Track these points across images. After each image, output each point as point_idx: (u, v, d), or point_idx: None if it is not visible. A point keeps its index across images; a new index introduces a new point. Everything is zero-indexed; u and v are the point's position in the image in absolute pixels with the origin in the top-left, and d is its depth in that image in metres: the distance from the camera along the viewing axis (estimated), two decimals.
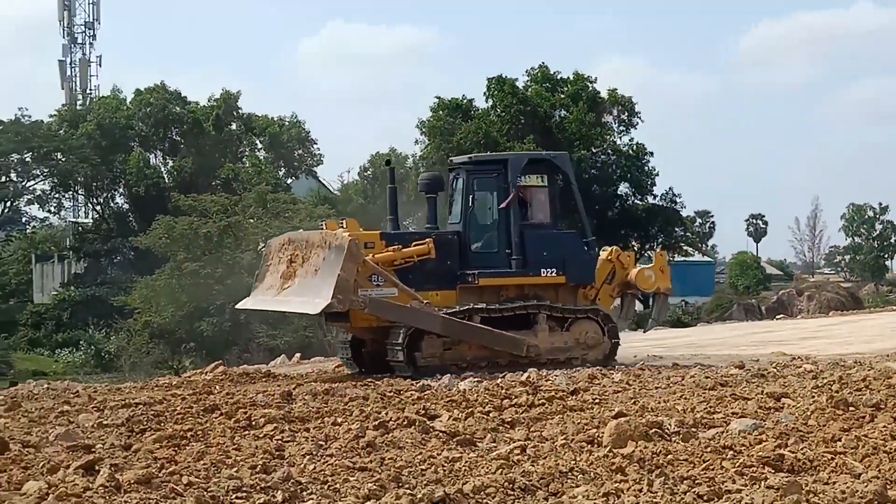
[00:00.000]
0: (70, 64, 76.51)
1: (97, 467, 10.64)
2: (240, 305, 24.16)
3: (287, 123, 63.83)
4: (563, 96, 56.56)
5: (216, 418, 14.66)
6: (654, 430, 11.90)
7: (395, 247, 21.50)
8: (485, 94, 56.91)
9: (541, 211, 22.58)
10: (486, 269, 21.97)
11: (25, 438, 13.24)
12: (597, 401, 15.23)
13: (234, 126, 63.65)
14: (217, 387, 20.34)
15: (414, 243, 21.75)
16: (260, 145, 64.48)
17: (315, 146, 64.40)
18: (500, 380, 18.47)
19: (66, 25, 78.55)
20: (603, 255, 23.34)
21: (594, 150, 56.34)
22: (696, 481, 9.63)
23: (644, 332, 28.32)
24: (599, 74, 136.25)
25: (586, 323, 22.19)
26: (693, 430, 12.22)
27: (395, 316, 21.22)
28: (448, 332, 21.16)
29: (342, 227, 21.80)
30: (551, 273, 22.11)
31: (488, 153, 22.22)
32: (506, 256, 22.11)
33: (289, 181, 63.04)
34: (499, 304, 21.80)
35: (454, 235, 22.36)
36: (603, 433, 11.86)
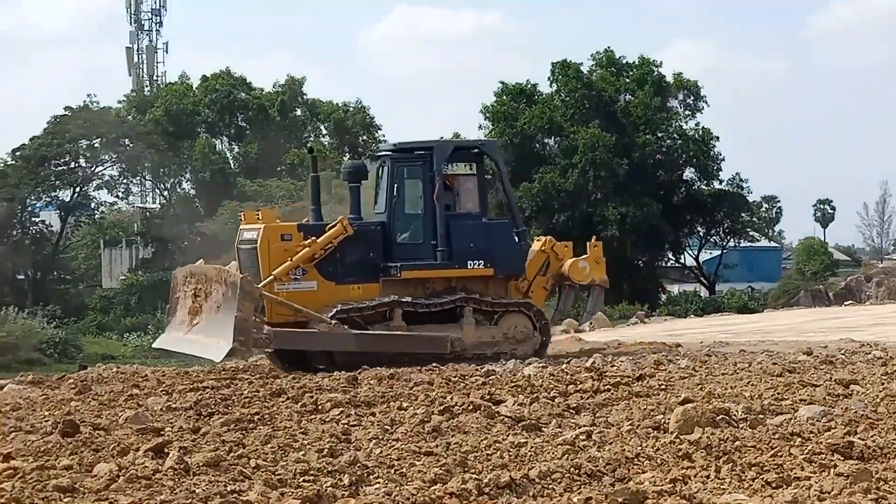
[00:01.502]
0: (137, 51, 77.24)
1: (166, 450, 10.75)
2: (155, 344, 23.46)
3: (351, 109, 63.95)
4: (628, 81, 56.24)
5: (283, 402, 14.76)
6: (721, 416, 11.84)
7: (312, 239, 20.62)
8: (549, 78, 56.75)
9: (469, 200, 21.78)
10: (411, 261, 21.16)
11: (96, 421, 13.40)
12: (663, 387, 15.16)
13: (298, 112, 63.90)
14: (283, 371, 20.49)
15: (327, 227, 20.89)
16: (325, 131, 64.69)
17: (379, 132, 64.49)
18: (564, 365, 18.45)
19: (133, 13, 79.28)
20: (536, 245, 22.59)
21: (659, 135, 55.97)
22: (765, 468, 9.57)
23: (579, 325, 27.64)
24: (665, 58, 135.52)
25: (516, 317, 21.44)
26: (761, 416, 12.14)
27: (304, 344, 20.50)
28: (363, 347, 20.25)
29: (258, 217, 21.21)
30: (478, 265, 21.26)
31: (414, 140, 21.25)
32: (431, 248, 21.23)
33: None
34: (424, 297, 21.06)
35: (377, 226, 21.49)
36: (669, 419, 11.80)
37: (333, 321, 20.19)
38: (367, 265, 21.10)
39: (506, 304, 21.46)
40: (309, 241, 20.57)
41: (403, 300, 20.78)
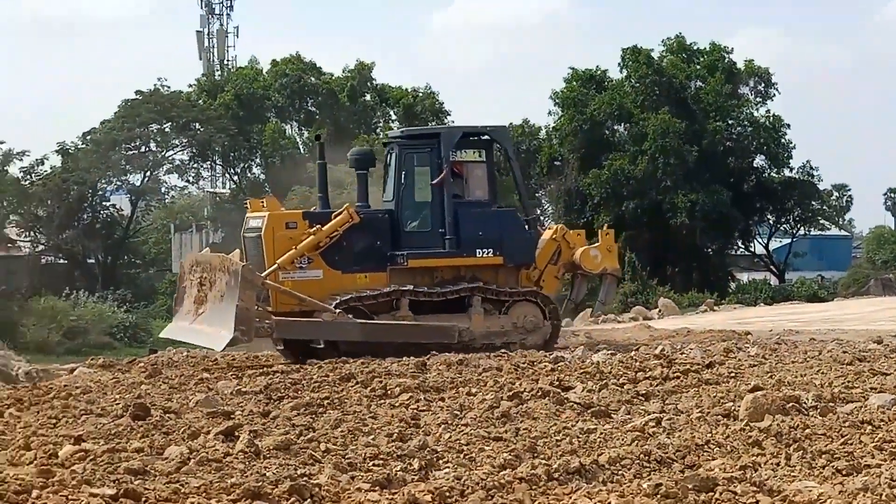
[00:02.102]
0: (208, 35, 77.69)
1: (237, 433, 10.84)
2: (162, 334, 23.35)
3: (421, 95, 63.97)
4: (698, 67, 55.81)
5: (352, 387, 14.83)
6: (791, 404, 11.77)
7: (316, 227, 20.39)
8: (619, 64, 56.44)
9: (478, 188, 21.45)
10: (419, 250, 20.87)
11: (166, 405, 13.53)
12: (732, 374, 15.08)
13: (368, 97, 64.00)
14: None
15: (333, 216, 20.62)
16: (394, 116, 64.72)
17: (448, 117, 64.43)
18: (633, 352, 18.39)
19: None
20: (548, 234, 22.19)
21: (730, 122, 55.50)
22: (835, 456, 9.50)
23: (592, 315, 27.28)
24: (736, 45, 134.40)
25: (525, 306, 21.14)
26: (831, 404, 12.05)
27: (307, 334, 20.23)
28: (368, 336, 19.98)
29: (263, 206, 21.06)
30: (487, 253, 20.95)
31: (422, 126, 21.03)
32: (439, 236, 20.93)
33: None
34: (432, 286, 20.77)
35: (384, 214, 21.22)
36: (739, 407, 11.75)
37: (337, 310, 19.96)
38: (374, 254, 20.83)
39: (515, 293, 21.13)
40: (314, 229, 20.33)
41: (409, 289, 20.50)
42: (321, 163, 22.20)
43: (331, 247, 20.49)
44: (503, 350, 19.56)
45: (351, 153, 22.62)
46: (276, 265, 20.05)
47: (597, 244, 22.57)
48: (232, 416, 12.35)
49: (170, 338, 22.55)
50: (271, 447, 10.12)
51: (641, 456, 9.56)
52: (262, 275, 19.85)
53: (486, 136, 21.74)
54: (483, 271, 21.11)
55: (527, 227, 21.59)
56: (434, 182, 20.82)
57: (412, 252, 20.82)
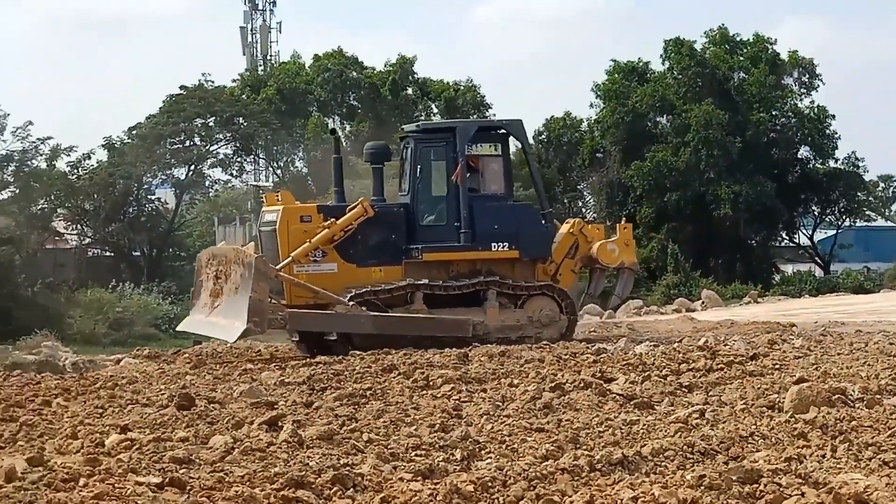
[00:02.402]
0: (251, 30, 77.91)
1: (280, 423, 10.88)
2: (179, 328, 23.41)
3: (462, 88, 63.88)
4: (742, 58, 55.53)
5: (394, 378, 14.84)
6: (836, 396, 11.67)
7: (331, 221, 20.34)
8: (661, 56, 56.24)
9: (494, 182, 21.35)
10: (435, 244, 20.80)
11: (210, 395, 13.59)
12: (777, 366, 14.99)
13: (409, 91, 64.00)
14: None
15: (348, 209, 20.58)
16: (436, 110, 64.64)
17: (490, 111, 64.30)
18: (676, 344, 18.31)
19: None
20: (565, 228, 22.08)
21: (774, 114, 55.22)
22: (882, 448, 9.42)
23: (611, 309, 27.02)
24: (780, 35, 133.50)
25: (541, 300, 21.04)
26: (877, 396, 11.94)
27: (319, 326, 20.15)
28: (381, 329, 19.93)
29: (278, 199, 21.03)
30: (503, 248, 20.89)
31: (438, 121, 20.80)
32: (455, 230, 20.85)
33: None
34: (448, 280, 20.72)
35: (400, 208, 21.21)
36: (784, 398, 11.67)
37: (350, 303, 19.92)
38: (389, 247, 20.81)
39: (530, 286, 21.04)
40: (328, 222, 20.31)
41: (424, 283, 20.46)
42: (337, 157, 22.20)
43: (346, 240, 20.50)
44: (520, 344, 19.39)
45: (366, 147, 22.60)
46: (290, 258, 20.06)
47: (615, 238, 22.30)
48: (275, 406, 12.39)
49: (187, 331, 22.63)
50: (314, 437, 10.14)
51: (685, 447, 9.52)
52: (277, 267, 19.87)
53: (501, 130, 21.73)
54: (499, 265, 21.06)
55: (543, 221, 21.58)
56: (453, 177, 20.78)
57: (427, 246, 20.78)
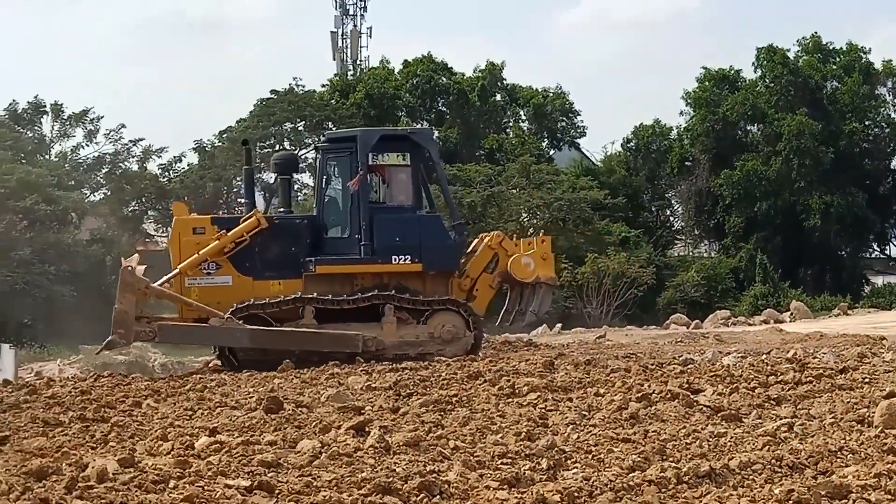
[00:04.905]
0: (342, 35, 78.27)
1: (367, 428, 10.96)
2: None
3: (551, 94, 63.77)
4: (834, 67, 54.89)
5: (480, 385, 14.88)
6: None
7: (222, 232, 20.00)
8: (753, 64, 55.73)
9: (401, 192, 20.78)
10: (335, 256, 20.35)
11: (298, 399, 13.73)
12: (867, 380, 14.79)
13: (498, 97, 63.99)
14: (480, 354, 20.61)
15: (241, 220, 20.26)
16: (524, 116, 64.59)
17: (578, 117, 64.14)
18: (765, 356, 18.16)
19: None
20: (483, 241, 21.44)
21: (867, 123, 54.54)
22: None
23: (520, 324, 25.02)
24: (873, 44, 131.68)
25: (445, 315, 20.39)
26: None
27: (192, 339, 20.00)
28: (259, 344, 19.54)
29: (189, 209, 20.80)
30: (405, 260, 20.26)
31: (343, 129, 20.13)
32: (356, 242, 20.35)
33: (551, 152, 63.07)
34: (351, 294, 20.16)
35: (303, 220, 20.87)
36: (874, 413, 11.52)
37: (227, 316, 19.55)
38: (289, 261, 20.39)
39: (432, 301, 20.41)
40: (219, 233, 20.03)
41: (311, 296, 19.98)
42: (248, 168, 21.92)
43: (242, 253, 20.19)
44: (421, 361, 19.00)
45: (274, 158, 22.24)
46: (177, 270, 19.91)
47: (531, 252, 21.41)
48: (362, 411, 12.48)
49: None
50: (401, 443, 10.20)
51: (773, 461, 9.44)
52: (164, 279, 19.77)
53: (406, 139, 21.15)
54: (408, 279, 20.52)
55: (453, 233, 20.92)
56: (349, 185, 20.31)
57: (321, 258, 20.31)
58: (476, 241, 22.02)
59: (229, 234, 20.06)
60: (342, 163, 20.80)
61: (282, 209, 21.44)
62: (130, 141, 52.06)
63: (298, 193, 53.64)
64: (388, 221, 20.42)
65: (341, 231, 20.83)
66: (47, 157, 51.19)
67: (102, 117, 51.56)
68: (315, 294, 20.06)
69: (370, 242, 20.30)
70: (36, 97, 51.30)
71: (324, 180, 21.00)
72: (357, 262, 20.40)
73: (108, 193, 51.97)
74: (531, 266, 21.17)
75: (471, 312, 20.56)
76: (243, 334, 19.59)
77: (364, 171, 20.27)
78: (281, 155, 22.85)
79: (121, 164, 52.25)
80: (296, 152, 59.49)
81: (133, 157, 52.43)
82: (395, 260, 20.35)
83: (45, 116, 51.38)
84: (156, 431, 11.28)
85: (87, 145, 51.54)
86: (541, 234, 22.66)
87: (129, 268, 19.68)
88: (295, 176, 22.05)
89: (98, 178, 52.06)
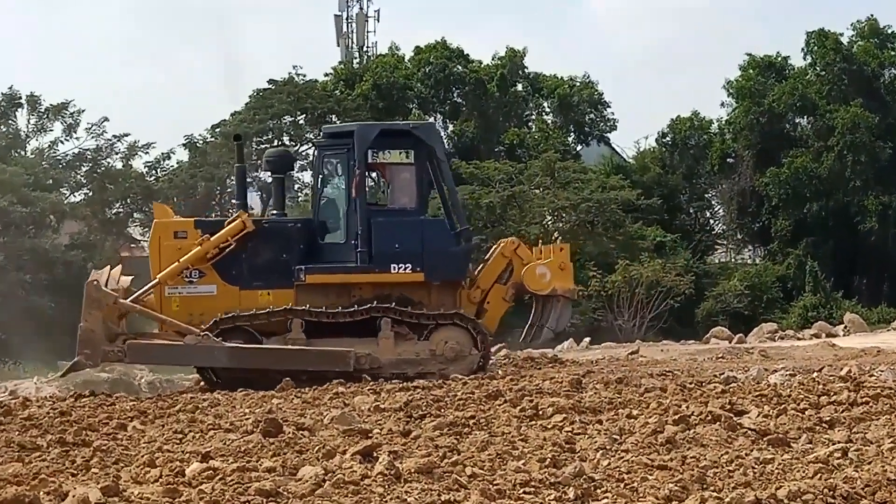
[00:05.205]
0: (347, 19, 78.39)
1: (375, 454, 10.94)
2: None
3: (578, 84, 63.81)
4: (893, 54, 54.84)
5: (500, 405, 14.87)
6: None
7: (205, 237, 19.91)
8: (802, 50, 55.72)
9: (404, 194, 20.64)
10: (329, 264, 20.18)
11: (299, 420, 13.73)
12: None
13: (519, 87, 64.02)
14: (499, 371, 20.61)
15: (227, 223, 20.14)
16: (548, 108, 64.63)
17: (608, 109, 64.19)
18: (816, 374, 18.14)
19: None
20: (497, 248, 21.27)
21: None
22: None
23: (531, 341, 24.50)
24: None
25: (449, 331, 20.14)
26: None
27: (165, 359, 20.01)
28: (240, 363, 19.42)
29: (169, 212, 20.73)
30: (405, 269, 20.05)
31: (340, 124, 19.92)
32: (353, 249, 20.12)
33: (578, 148, 63.13)
34: (348, 306, 20.00)
35: (296, 224, 20.82)
36: None
37: (203, 333, 19.45)
38: (279, 268, 20.24)
39: (434, 315, 20.17)
40: (202, 238, 19.97)
41: (301, 309, 19.84)
42: (240, 166, 21.74)
43: (227, 259, 20.10)
44: (424, 379, 18.86)
45: (266, 154, 22.22)
46: (155, 280, 19.88)
47: (547, 261, 21.08)
48: (370, 434, 12.47)
49: None
50: (412, 470, 10.20)
51: (825, 490, 9.43)
52: (142, 290, 19.80)
53: (408, 134, 20.96)
54: (412, 290, 20.36)
55: (458, 239, 20.66)
56: (351, 187, 20.16)
57: (311, 267, 20.16)
58: (494, 247, 21.96)
59: (212, 238, 20.00)
60: (340, 161, 20.72)
61: (274, 211, 21.46)
62: (114, 136, 52.27)
63: (299, 194, 53.80)
64: (388, 226, 20.28)
65: (338, 236, 20.70)
66: (22, 153, 51.31)
67: (83, 111, 51.77)
68: (308, 306, 19.97)
69: (367, 249, 20.14)
70: (10, 88, 51.48)
71: (320, 180, 20.96)
72: (351, 270, 20.26)
73: (90, 194, 52.09)
74: (547, 276, 20.90)
75: (478, 328, 20.37)
76: (221, 353, 19.47)
77: (362, 170, 20.21)
78: (274, 152, 22.86)
79: (103, 162, 52.39)
80: (292, 149, 59.73)
81: (117, 153, 52.63)
82: (394, 269, 20.19)
83: (20, 109, 51.49)
84: (142, 457, 11.29)
85: (67, 140, 51.79)
86: (559, 241, 22.38)
87: (95, 282, 19.65)
88: (295, 175, 21.76)
89: (78, 176, 52.19)
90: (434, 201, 23.39)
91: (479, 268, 21.41)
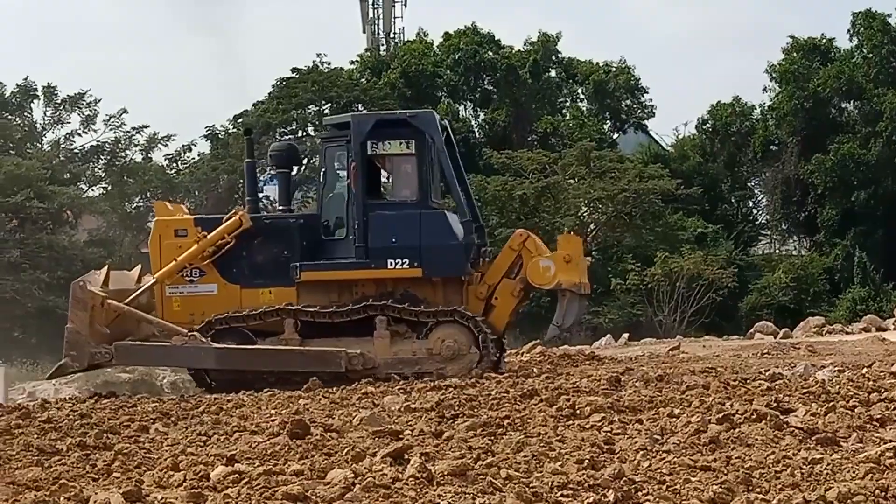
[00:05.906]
0: (373, 5, 78.43)
1: (406, 456, 10.95)
2: None
3: (614, 70, 63.73)
4: None
5: (535, 405, 14.86)
6: None
7: (203, 234, 19.97)
8: (848, 32, 55.57)
9: (406, 186, 20.53)
10: (327, 261, 20.11)
11: (327, 422, 13.74)
12: None
13: (553, 73, 63.99)
14: (535, 369, 20.60)
15: (224, 220, 20.17)
16: (582, 95, 64.60)
17: (646, 95, 64.10)
18: (866, 370, 18.07)
19: None
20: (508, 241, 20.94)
21: None
22: None
23: (544, 341, 24.99)
24: None
25: (447, 328, 19.88)
26: None
27: (152, 360, 20.03)
28: (227, 364, 19.48)
29: (170, 209, 20.83)
30: (402, 265, 19.78)
31: (340, 115, 19.65)
32: (352, 244, 20.00)
33: (615, 136, 63.08)
34: (348, 303, 19.90)
35: (297, 219, 20.76)
36: None
37: (190, 333, 19.53)
38: (281, 266, 20.20)
39: (433, 312, 19.97)
40: (200, 235, 20.05)
41: (293, 307, 19.84)
42: (250, 161, 21.84)
43: (228, 257, 20.18)
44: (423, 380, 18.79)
45: (270, 149, 22.13)
46: (153, 280, 19.97)
47: (553, 253, 20.67)
48: (401, 436, 12.48)
49: None
50: (445, 472, 10.19)
51: (877, 492, 9.39)
52: (139, 291, 19.90)
53: (405, 123, 20.73)
54: (415, 286, 20.19)
55: (462, 231, 20.40)
56: (348, 179, 20.16)
57: (307, 264, 20.10)
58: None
59: (210, 235, 20.11)
60: (339, 152, 20.68)
61: (280, 207, 21.51)
62: (133, 128, 52.29)
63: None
64: (385, 219, 20.10)
65: (341, 231, 20.63)
66: (39, 146, 51.46)
67: (100, 101, 51.76)
68: (308, 304, 19.98)
69: (364, 244, 20.03)
70: (26, 79, 51.63)
71: (323, 174, 20.90)
72: (347, 266, 20.13)
73: (109, 188, 52.14)
74: (551, 270, 20.42)
75: (479, 326, 20.05)
76: (208, 354, 19.53)
77: (357, 162, 20.12)
78: (279, 145, 22.61)
79: (122, 155, 52.43)
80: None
81: (136, 146, 52.68)
82: (391, 264, 20.00)
83: (35, 101, 51.63)
84: (165, 460, 11.33)
85: (84, 133, 51.79)
86: (566, 231, 22.07)
87: (81, 282, 19.75)
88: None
89: (97, 170, 52.28)
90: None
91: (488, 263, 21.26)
